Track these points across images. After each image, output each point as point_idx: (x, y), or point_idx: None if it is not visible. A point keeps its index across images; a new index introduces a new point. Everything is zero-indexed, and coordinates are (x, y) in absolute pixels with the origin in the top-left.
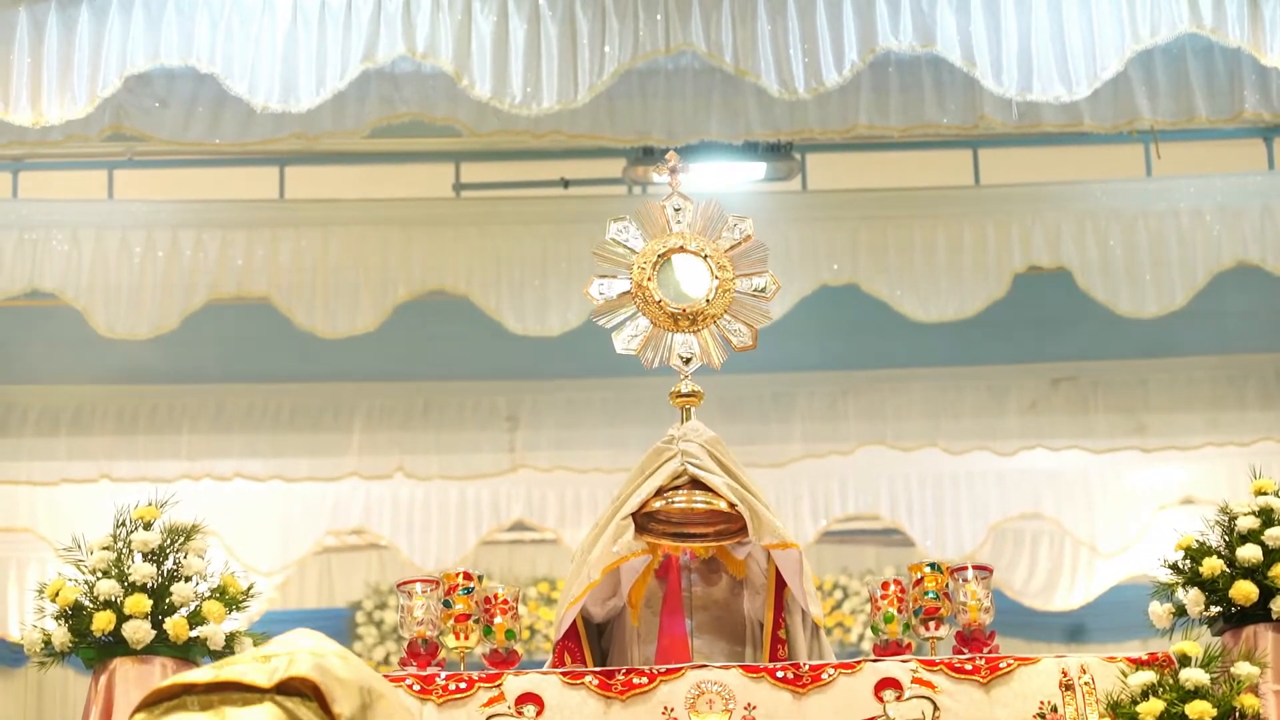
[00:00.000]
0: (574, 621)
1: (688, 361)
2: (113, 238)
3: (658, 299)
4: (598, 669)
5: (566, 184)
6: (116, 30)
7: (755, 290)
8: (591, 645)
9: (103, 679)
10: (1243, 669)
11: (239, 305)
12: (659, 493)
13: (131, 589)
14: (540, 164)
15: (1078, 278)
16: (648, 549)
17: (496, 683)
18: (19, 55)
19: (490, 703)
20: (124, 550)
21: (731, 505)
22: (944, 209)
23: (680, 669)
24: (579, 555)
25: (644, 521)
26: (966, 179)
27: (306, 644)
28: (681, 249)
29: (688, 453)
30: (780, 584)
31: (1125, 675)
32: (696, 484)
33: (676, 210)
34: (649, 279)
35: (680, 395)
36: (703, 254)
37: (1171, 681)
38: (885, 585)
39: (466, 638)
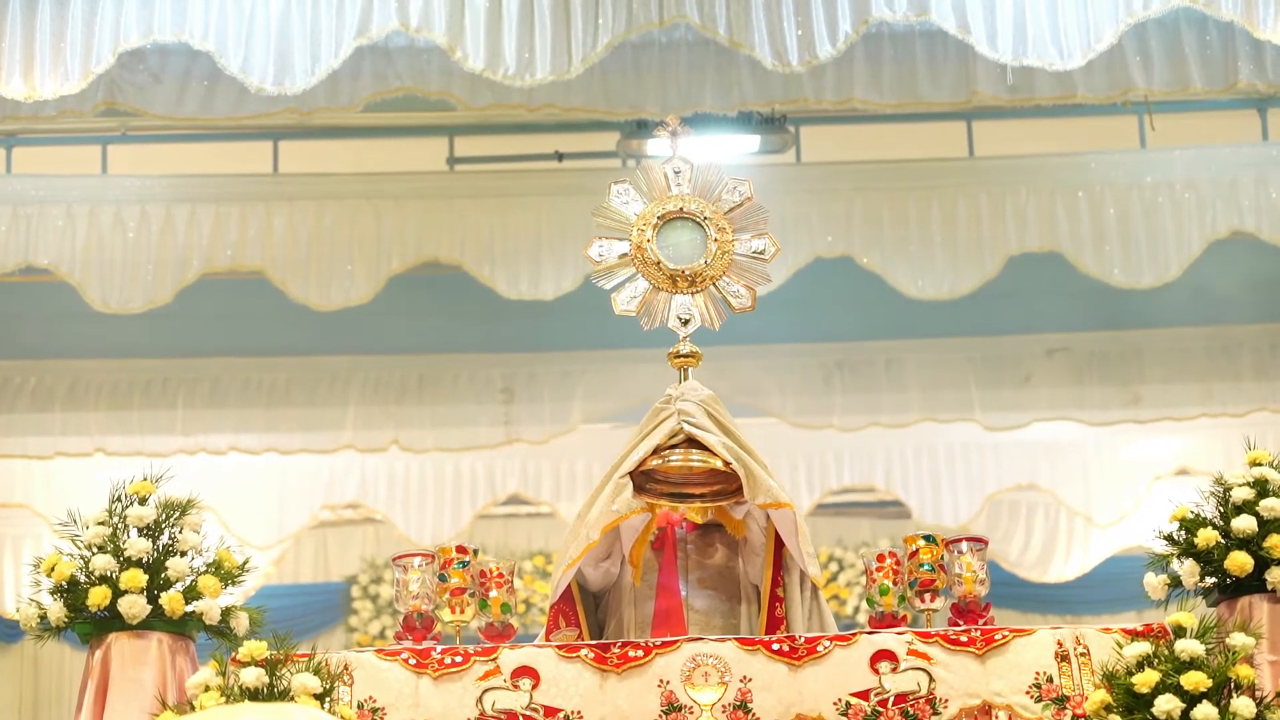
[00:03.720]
0: (570, 585)
1: (686, 323)
2: (107, 213)
3: (656, 260)
4: (593, 643)
5: (561, 157)
6: (109, 6)
7: (754, 252)
8: (587, 613)
9: (98, 654)
10: (1238, 640)
11: (233, 279)
12: (656, 451)
13: (127, 564)
14: (534, 137)
15: (1070, 257)
16: (646, 507)
17: (492, 656)
18: (11, 30)
19: (486, 676)
20: (119, 525)
21: (727, 464)
22: (938, 181)
23: (676, 642)
24: (576, 519)
25: (642, 481)
26: (961, 151)
27: None
28: (681, 211)
29: (685, 411)
30: (779, 543)
31: (1121, 646)
32: (693, 443)
33: (676, 173)
34: (648, 240)
35: (678, 356)
36: (702, 216)
37: (1167, 653)
38: (881, 557)
39: (462, 611)
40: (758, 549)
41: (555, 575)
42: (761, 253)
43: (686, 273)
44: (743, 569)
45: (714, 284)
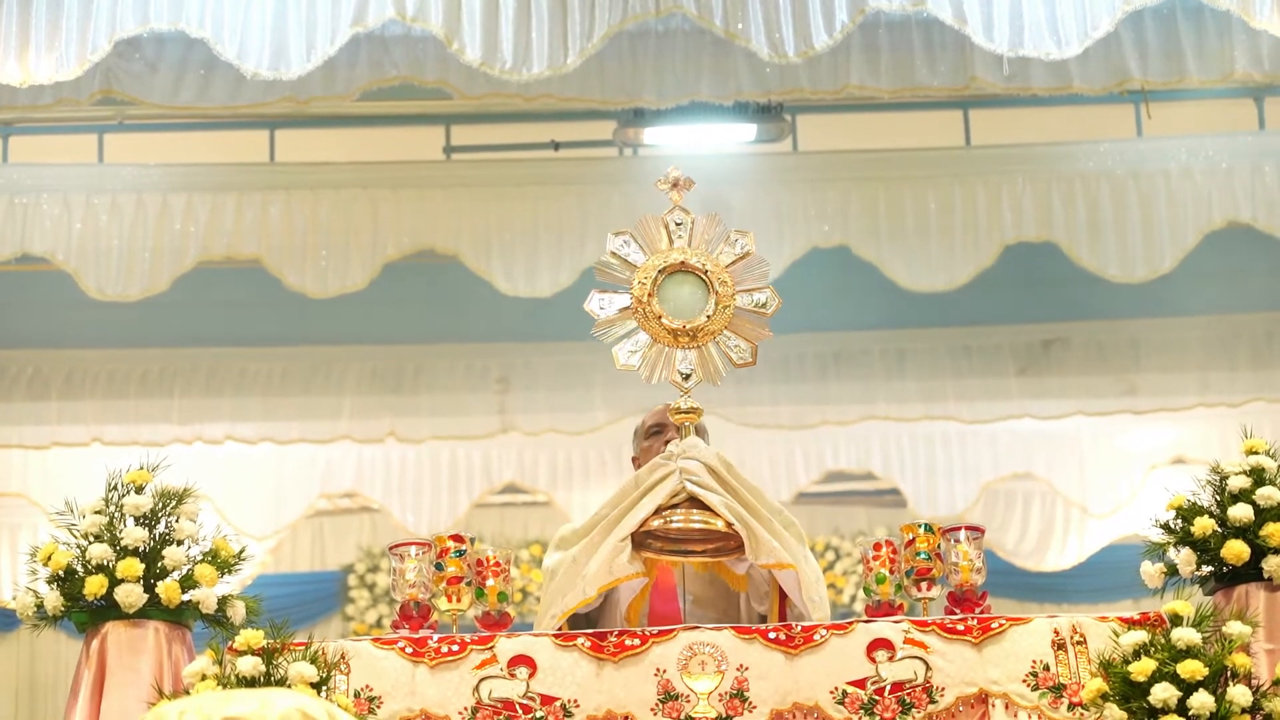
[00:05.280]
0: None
1: (687, 378)
2: (103, 201)
3: (659, 315)
4: (590, 631)
5: (557, 146)
6: None
7: (756, 306)
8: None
9: (95, 643)
10: (1234, 628)
11: (230, 268)
12: (657, 511)
13: (123, 553)
14: (531, 126)
15: (1066, 248)
16: (644, 572)
17: (489, 645)
18: (6, 17)
19: (483, 665)
20: (116, 514)
21: (729, 524)
22: (935, 170)
23: (672, 630)
24: (569, 563)
25: (641, 539)
26: (957, 140)
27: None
28: (682, 264)
29: (687, 470)
30: (784, 592)
31: (1117, 635)
32: (695, 502)
33: (677, 225)
34: (649, 294)
35: (679, 411)
36: (703, 269)
37: (1163, 641)
38: (877, 546)
39: (459, 600)
40: (763, 595)
41: (541, 621)
42: (763, 306)
43: (688, 327)
44: (745, 602)
45: (715, 339)
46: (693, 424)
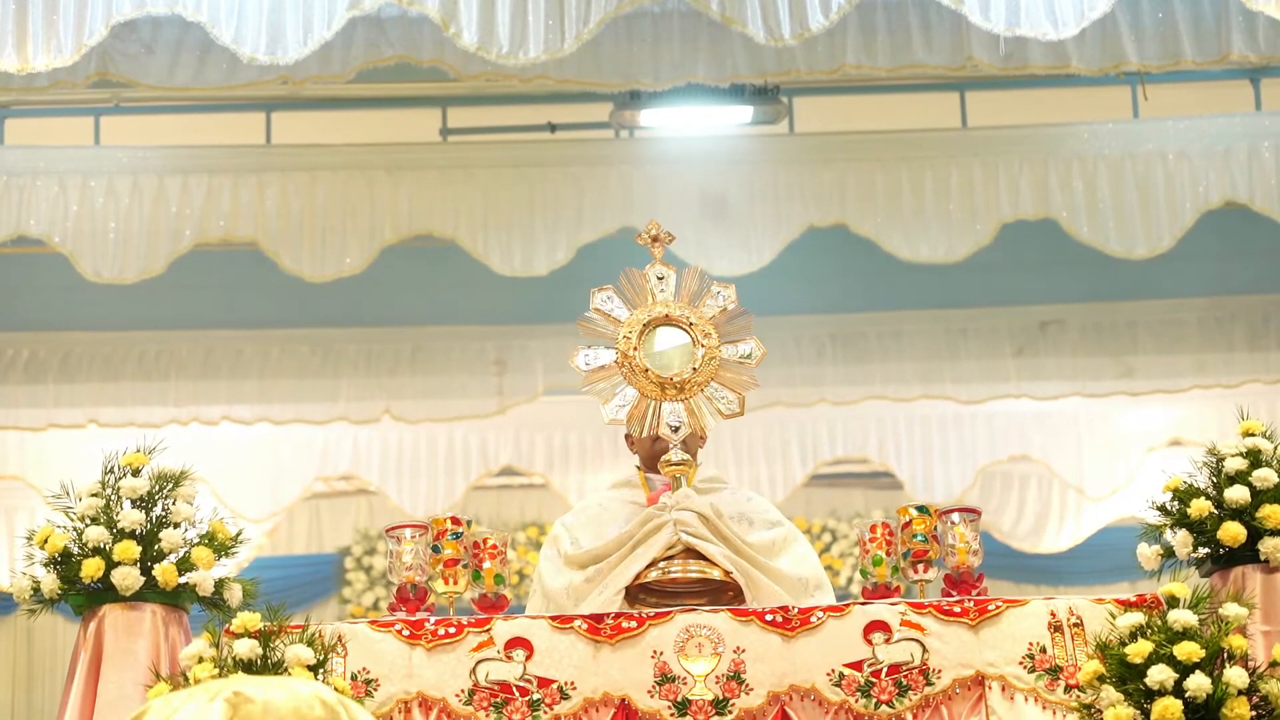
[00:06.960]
0: None
1: (676, 430)
2: (99, 184)
3: (645, 368)
4: (587, 614)
5: (553, 128)
6: None
7: (741, 357)
8: None
9: (92, 626)
10: (1231, 610)
11: (226, 251)
12: (653, 564)
13: (120, 535)
14: (527, 108)
15: (1064, 225)
16: None
17: (485, 627)
18: (3, 4)
19: (480, 647)
20: (113, 497)
21: (727, 573)
22: (931, 151)
23: (669, 613)
24: (563, 595)
25: (635, 591)
26: (954, 122)
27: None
28: (666, 318)
29: (681, 522)
30: None
31: (1114, 617)
32: (691, 552)
33: (660, 279)
34: (635, 349)
35: (671, 464)
36: (687, 322)
37: (1160, 623)
38: (874, 528)
39: (455, 583)
40: None
41: None
42: (748, 356)
43: (674, 380)
44: None
45: (702, 391)
46: (684, 475)
